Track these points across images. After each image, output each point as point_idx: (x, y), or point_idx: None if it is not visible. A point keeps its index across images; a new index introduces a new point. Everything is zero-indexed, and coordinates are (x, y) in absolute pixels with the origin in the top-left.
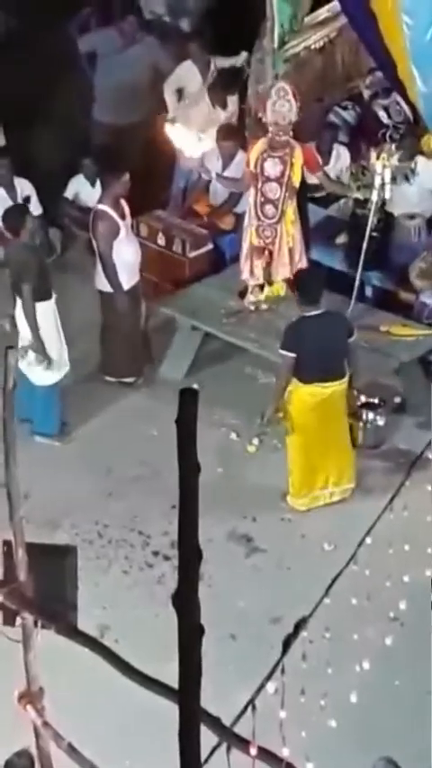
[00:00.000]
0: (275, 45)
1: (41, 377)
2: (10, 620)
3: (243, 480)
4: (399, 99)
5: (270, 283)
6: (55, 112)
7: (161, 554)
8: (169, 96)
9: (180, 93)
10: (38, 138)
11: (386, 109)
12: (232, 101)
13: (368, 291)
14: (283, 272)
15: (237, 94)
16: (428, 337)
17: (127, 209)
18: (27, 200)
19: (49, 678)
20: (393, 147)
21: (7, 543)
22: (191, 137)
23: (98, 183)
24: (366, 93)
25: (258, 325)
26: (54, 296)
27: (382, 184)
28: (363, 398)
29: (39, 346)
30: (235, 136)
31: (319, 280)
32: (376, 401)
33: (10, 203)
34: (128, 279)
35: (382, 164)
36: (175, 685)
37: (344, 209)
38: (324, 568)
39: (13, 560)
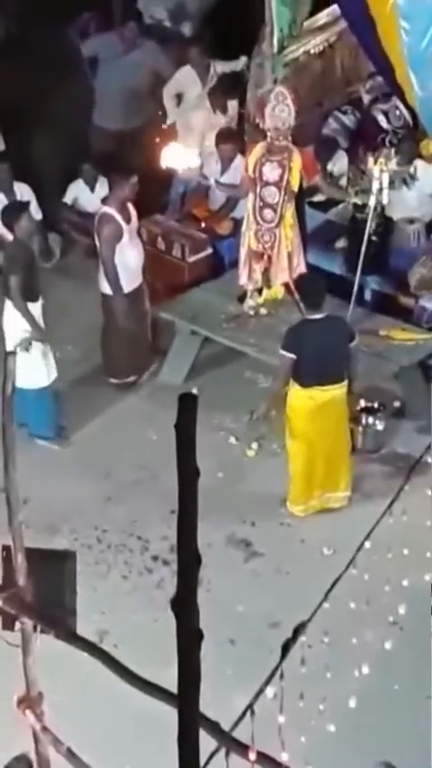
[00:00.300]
0: (275, 49)
1: (30, 381)
2: (9, 625)
3: (242, 485)
4: (398, 104)
5: (269, 287)
6: (54, 117)
7: (160, 559)
8: (168, 101)
9: (179, 98)
10: (37, 142)
11: (386, 114)
12: (232, 105)
13: (367, 295)
14: (281, 276)
15: (237, 99)
16: (428, 341)
17: (133, 213)
18: (27, 204)
19: (48, 683)
20: (392, 151)
21: (6, 548)
22: (187, 155)
23: (97, 187)
24: (366, 98)
25: (258, 329)
26: (41, 300)
27: (380, 189)
28: (362, 403)
29: (37, 333)
30: (234, 139)
31: (321, 284)
32: (375, 405)
33: None
34: (128, 282)
35: (380, 168)
36: (175, 690)
37: (343, 214)
38: (323, 573)
39: (13, 565)
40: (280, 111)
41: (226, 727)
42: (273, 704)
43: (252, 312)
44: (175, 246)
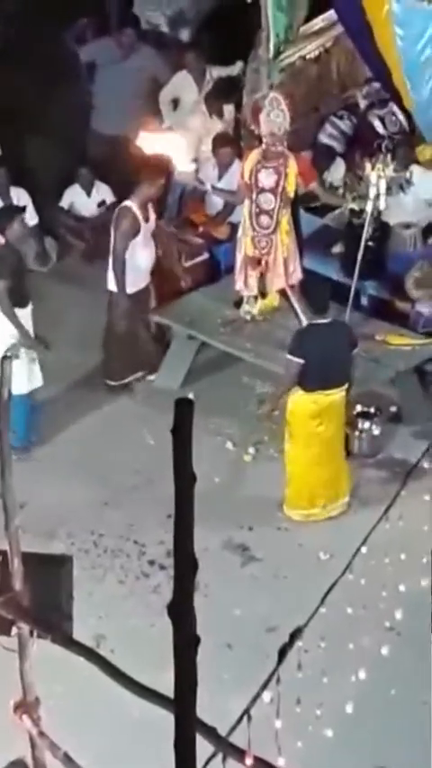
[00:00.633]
0: (271, 54)
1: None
2: (6, 630)
3: (239, 489)
4: (395, 109)
5: (264, 296)
6: (51, 122)
7: (157, 563)
8: (164, 106)
9: (176, 102)
10: (34, 147)
11: (382, 119)
12: (228, 110)
13: (364, 301)
14: (278, 282)
15: (233, 104)
16: (424, 347)
17: (152, 215)
18: (23, 209)
19: (44, 688)
20: (389, 157)
21: (3, 553)
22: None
23: (94, 192)
24: (362, 103)
25: (254, 334)
26: (30, 305)
27: (377, 195)
28: (358, 407)
29: (25, 340)
30: (231, 145)
31: (326, 289)
32: (372, 410)
33: None
34: (135, 282)
35: (377, 174)
36: (171, 695)
37: (340, 219)
38: (320, 578)
39: (9, 570)
40: (275, 117)
41: (223, 731)
42: (270, 709)
43: (249, 317)
44: (172, 251)
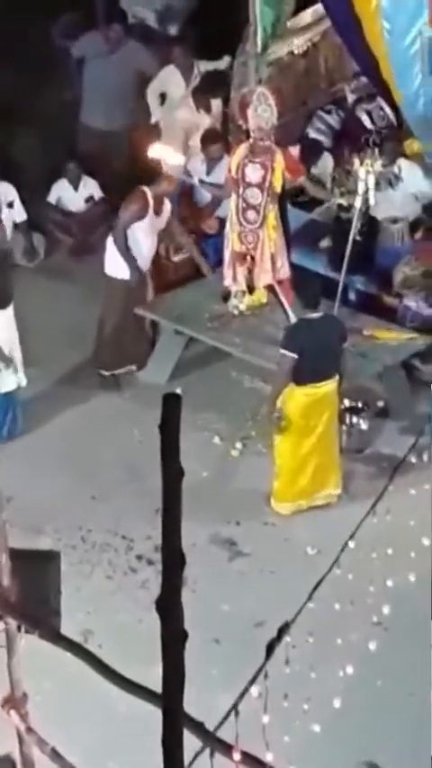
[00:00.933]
0: (258, 49)
1: None
2: None
3: (226, 484)
4: (382, 104)
5: (251, 291)
6: (38, 117)
7: (144, 558)
8: (152, 101)
9: (163, 97)
10: (21, 141)
11: (369, 113)
12: (216, 104)
13: (352, 295)
14: (264, 277)
15: (221, 98)
16: (412, 341)
17: (167, 211)
18: (10, 204)
19: (32, 683)
20: (376, 151)
21: None
22: (173, 153)
23: (81, 187)
24: (351, 98)
25: (243, 329)
26: (11, 306)
27: (366, 190)
28: (346, 402)
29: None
30: (219, 140)
31: (317, 284)
32: (360, 405)
33: None
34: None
35: (366, 170)
36: (159, 690)
37: (327, 213)
38: (308, 573)
39: None
40: (262, 112)
41: (210, 726)
42: (257, 704)
43: (236, 312)
44: (160, 246)
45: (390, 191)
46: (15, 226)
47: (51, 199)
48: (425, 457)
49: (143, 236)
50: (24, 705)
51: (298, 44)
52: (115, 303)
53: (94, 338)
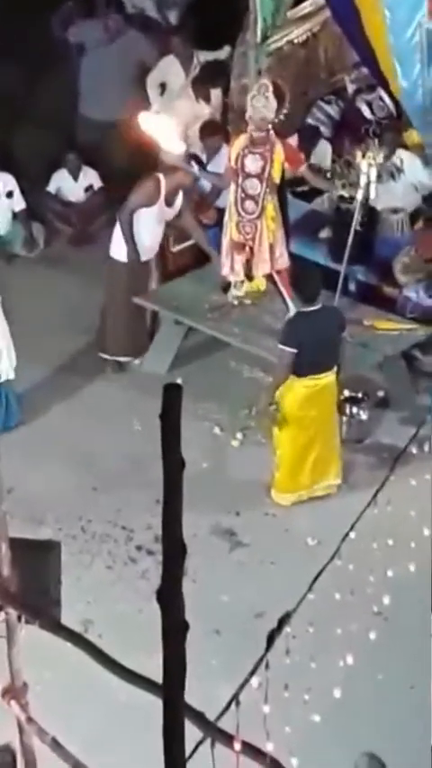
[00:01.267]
0: (258, 39)
1: None
2: None
3: (227, 475)
4: (382, 94)
5: (250, 279)
6: (38, 107)
7: (144, 549)
8: (152, 90)
9: (163, 87)
10: (21, 131)
11: (369, 104)
12: (216, 95)
13: (352, 286)
14: (263, 267)
15: (220, 88)
16: (412, 332)
17: (179, 203)
18: (9, 194)
19: (32, 673)
20: (376, 142)
21: None
22: (171, 129)
23: (81, 177)
24: (351, 88)
25: (242, 319)
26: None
27: (368, 183)
28: (346, 392)
29: None
30: (218, 130)
31: (317, 278)
32: (360, 395)
33: None
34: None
35: (368, 162)
36: (159, 680)
37: (327, 204)
38: (308, 563)
39: None
40: (257, 102)
41: (211, 717)
42: (258, 694)
43: (236, 302)
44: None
45: (391, 182)
46: (15, 215)
47: (51, 189)
48: (425, 447)
49: (151, 223)
50: (24, 695)
51: (298, 34)
52: (118, 286)
53: (93, 328)
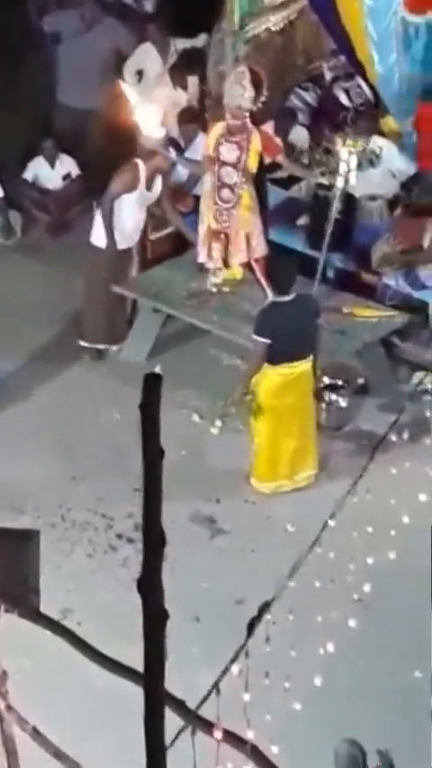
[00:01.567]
0: (235, 26)
1: None
2: None
3: (206, 462)
4: (360, 82)
5: (227, 266)
6: (14, 94)
7: (125, 537)
8: (128, 78)
9: (140, 75)
10: None
11: (347, 91)
12: (193, 82)
13: (330, 273)
14: (239, 256)
15: (197, 76)
16: (390, 319)
17: (158, 188)
18: None
19: (12, 662)
20: (351, 129)
21: None
22: (153, 117)
23: (58, 164)
24: (328, 75)
25: (220, 306)
26: None
27: (348, 171)
28: (325, 380)
29: None
30: (196, 118)
31: (290, 269)
32: (339, 382)
33: None
34: (119, 240)
35: (348, 150)
36: (140, 668)
37: (305, 191)
38: (288, 550)
39: None
40: (234, 90)
41: (192, 705)
42: (238, 682)
43: (214, 289)
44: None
45: (369, 169)
46: None
47: (28, 176)
48: (405, 435)
49: (131, 209)
50: (4, 684)
51: (275, 21)
52: (98, 274)
53: (71, 316)
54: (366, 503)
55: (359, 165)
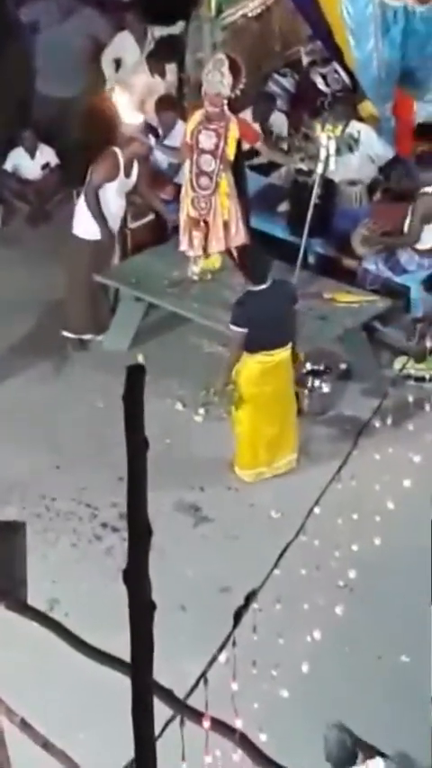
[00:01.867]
0: (212, 13)
1: None
2: None
3: (190, 450)
4: (337, 67)
5: (206, 255)
6: None
7: (109, 526)
8: (107, 67)
9: (118, 63)
10: None
11: (324, 77)
12: (171, 70)
13: (311, 259)
14: (217, 244)
15: (175, 63)
16: (372, 303)
17: (135, 172)
18: None
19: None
20: (329, 114)
21: None
22: (132, 105)
23: (38, 155)
24: (305, 61)
25: (201, 294)
26: None
27: (327, 156)
28: (308, 365)
29: None
30: (174, 105)
31: (265, 258)
32: (321, 368)
33: None
34: (99, 230)
35: (327, 135)
36: (127, 658)
37: (285, 177)
38: (273, 537)
39: None
40: (212, 77)
41: (180, 694)
42: (226, 671)
43: (195, 277)
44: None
45: (348, 154)
46: None
47: (7, 167)
48: (388, 420)
49: (113, 198)
50: None
51: (252, 7)
52: (81, 264)
53: (52, 306)
54: (350, 489)
55: (338, 150)
